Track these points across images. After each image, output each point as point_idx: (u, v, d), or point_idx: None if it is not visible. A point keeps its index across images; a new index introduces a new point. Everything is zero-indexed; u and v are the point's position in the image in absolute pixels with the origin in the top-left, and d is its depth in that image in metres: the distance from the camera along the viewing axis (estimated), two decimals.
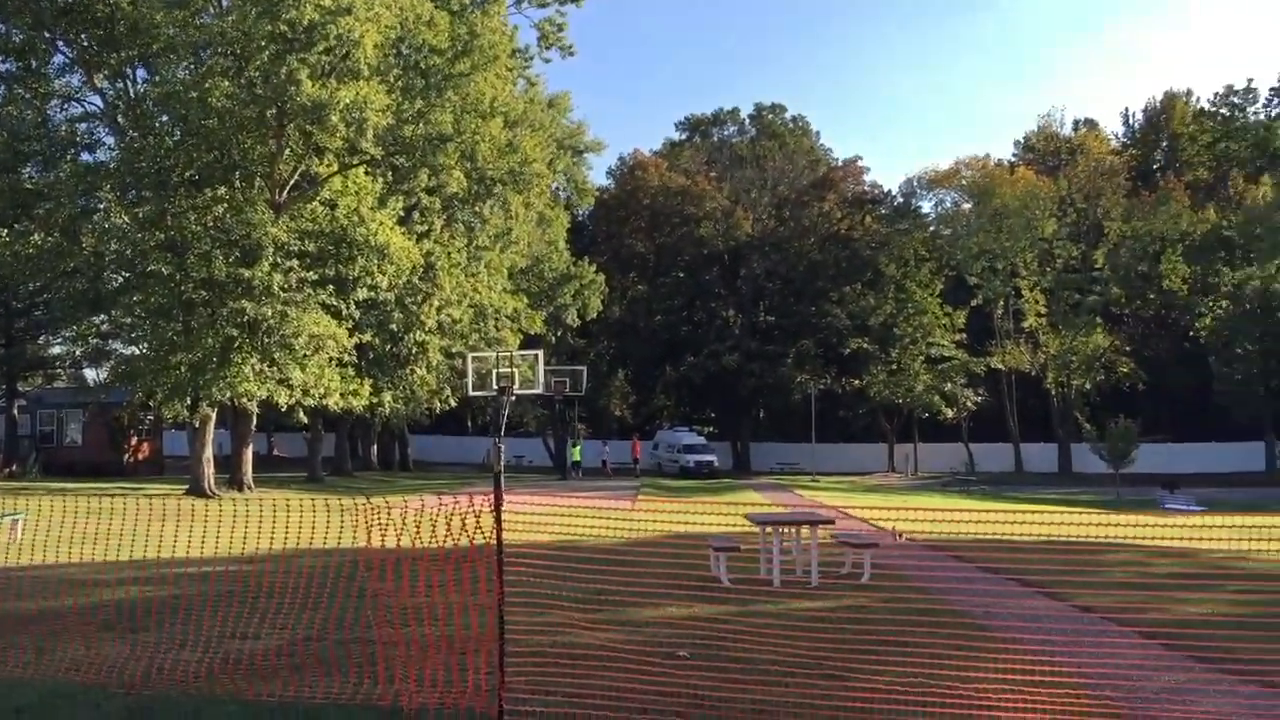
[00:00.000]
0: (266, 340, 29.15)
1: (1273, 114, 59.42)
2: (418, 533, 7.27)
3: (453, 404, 43.91)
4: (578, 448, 53.38)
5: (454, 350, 40.44)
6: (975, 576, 13.95)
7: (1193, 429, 59.96)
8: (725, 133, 76.43)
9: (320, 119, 26.49)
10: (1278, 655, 8.52)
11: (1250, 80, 70.62)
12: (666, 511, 18.80)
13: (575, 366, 46.70)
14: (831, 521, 13.73)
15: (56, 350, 50.90)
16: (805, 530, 13.13)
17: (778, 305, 66.01)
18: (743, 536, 14.31)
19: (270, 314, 28.18)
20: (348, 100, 26.36)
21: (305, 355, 29.23)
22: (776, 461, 63.80)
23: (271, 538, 11.01)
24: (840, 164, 71.23)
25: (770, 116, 75.04)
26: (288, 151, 29.49)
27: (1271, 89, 57.11)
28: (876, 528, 21.39)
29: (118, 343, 39.60)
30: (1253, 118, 62.03)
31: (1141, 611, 10.73)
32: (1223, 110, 64.36)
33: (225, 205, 28.18)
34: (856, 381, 63.10)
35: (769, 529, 12.85)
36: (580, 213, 72.00)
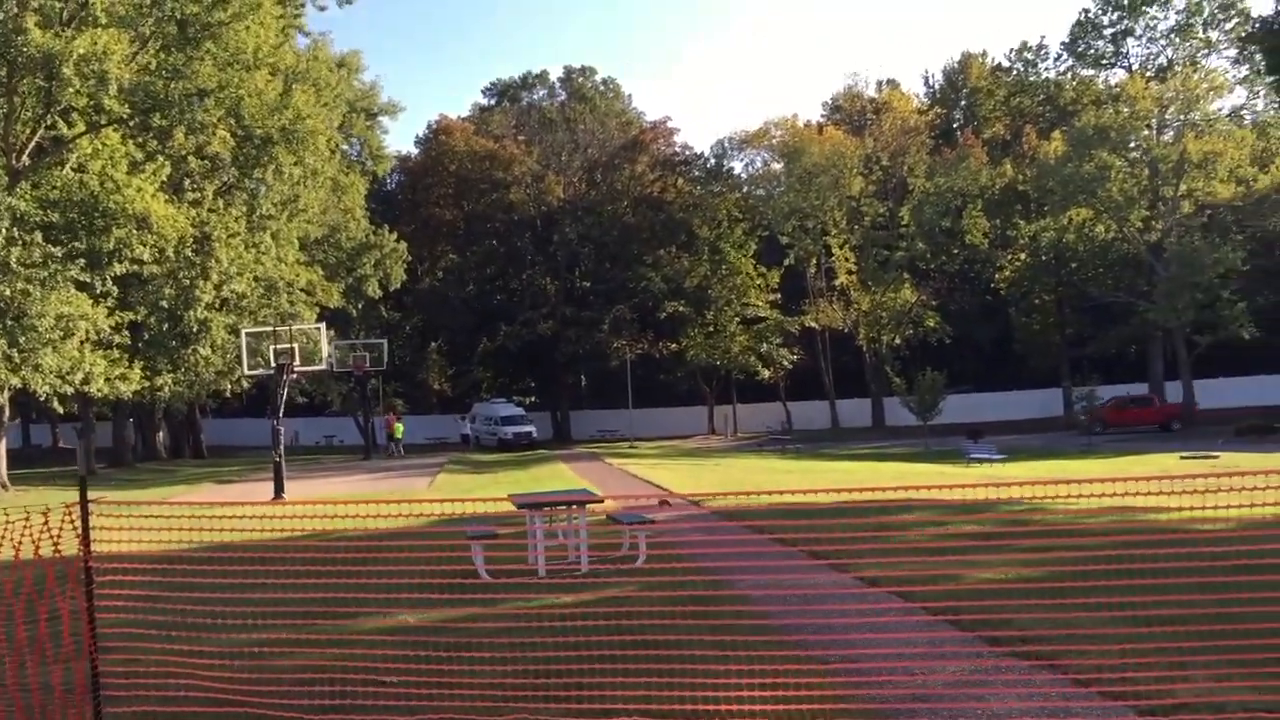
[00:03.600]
0: (10, 323, 25.96)
1: (1062, 70, 61.23)
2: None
3: (244, 385, 40.95)
4: (399, 425, 51.13)
5: (240, 327, 37.52)
6: (766, 550, 12.90)
7: (996, 379, 62.04)
8: (535, 96, 74.47)
9: (53, 72, 23.45)
10: (1067, 631, 7.64)
11: (1043, 37, 72.97)
12: (427, 500, 17.27)
13: (375, 340, 44.33)
14: (600, 499, 12.38)
15: None
16: (573, 511, 11.74)
17: (592, 270, 64.77)
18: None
19: (9, 293, 25.05)
20: (82, 50, 23.42)
21: (54, 338, 26.13)
22: (597, 429, 62.97)
23: None
24: (651, 125, 70.26)
25: (580, 80, 73.46)
26: (23, 111, 26.22)
27: (1062, 43, 58.67)
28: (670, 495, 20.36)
29: None
30: (1045, 74, 63.92)
31: (933, 582, 9.77)
32: (1017, 66, 66.18)
33: None
34: (674, 345, 62.62)
35: (533, 513, 11.40)
36: (387, 181, 69.18)
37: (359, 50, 48.03)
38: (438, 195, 64.69)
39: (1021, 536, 12.11)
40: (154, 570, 7.88)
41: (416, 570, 10.22)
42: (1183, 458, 30.02)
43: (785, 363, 62.05)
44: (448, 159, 64.41)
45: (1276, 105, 52.35)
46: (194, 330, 35.59)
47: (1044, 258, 56.95)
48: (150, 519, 5.78)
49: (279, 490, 25.16)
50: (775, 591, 9.81)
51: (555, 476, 28.64)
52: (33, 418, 60.68)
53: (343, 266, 47.59)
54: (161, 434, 47.47)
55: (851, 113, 68.34)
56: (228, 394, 42.39)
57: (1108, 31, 55.98)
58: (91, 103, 26.15)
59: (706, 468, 31.55)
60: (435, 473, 32.68)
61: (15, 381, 28.05)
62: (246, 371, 30.11)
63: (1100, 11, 55.68)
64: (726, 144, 68.44)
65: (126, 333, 32.36)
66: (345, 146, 48.87)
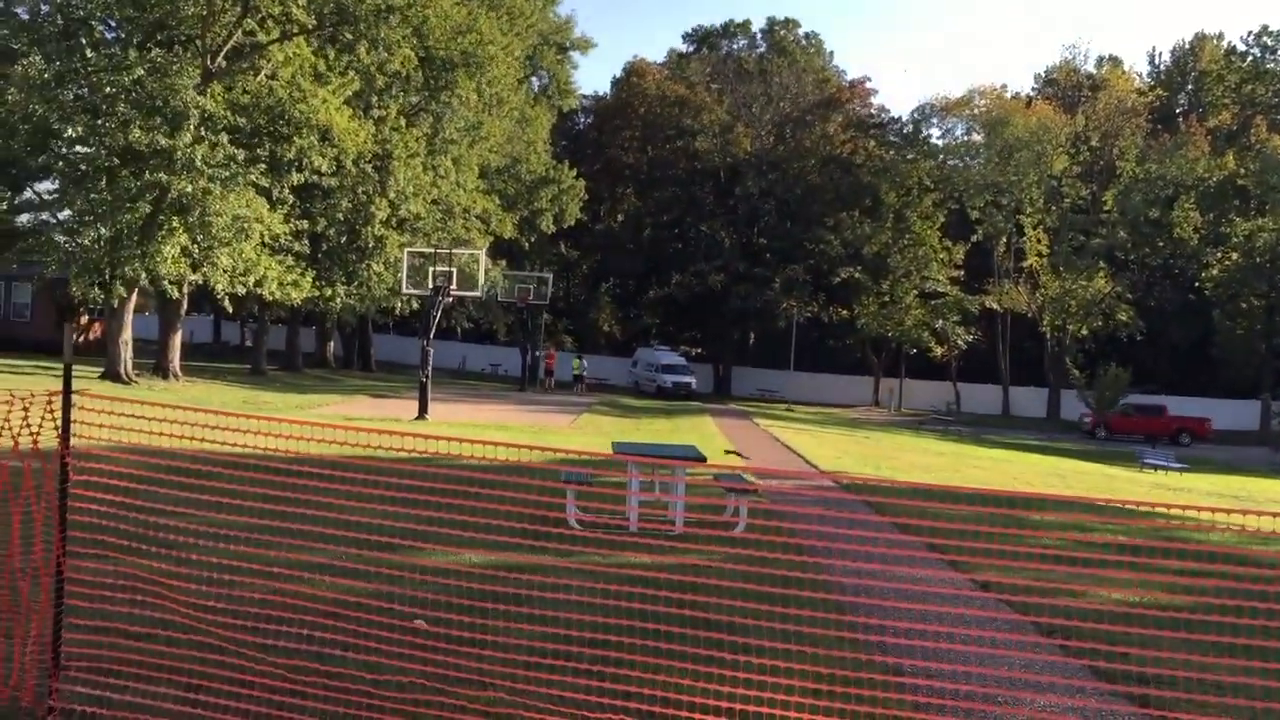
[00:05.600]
0: (191, 220, 26.95)
1: None
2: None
3: (414, 304, 41.88)
4: (579, 361, 51.61)
5: (416, 248, 38.30)
6: (880, 535, 11.99)
7: (1188, 383, 58.05)
8: (735, 46, 73.29)
9: None
10: (1193, 675, 6.59)
11: None
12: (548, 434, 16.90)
13: (541, 274, 44.54)
14: (704, 459, 11.69)
15: None
16: (674, 467, 11.10)
17: (771, 227, 63.50)
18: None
19: (191, 190, 25.92)
20: None
21: (226, 237, 27.00)
22: (758, 387, 62.09)
23: None
24: (849, 84, 68.09)
25: (782, 32, 71.91)
26: (222, 14, 26.96)
27: None
28: (817, 469, 19.54)
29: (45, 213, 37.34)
30: None
31: (1052, 595, 8.75)
32: (1254, 50, 61.06)
33: (147, 67, 25.71)
34: (846, 311, 60.97)
35: (632, 464, 10.83)
36: (577, 120, 69.47)
37: None
38: (625, 138, 64.50)
39: (1172, 556, 10.85)
40: (159, 473, 7.60)
41: (506, 511, 9.81)
42: None
43: (960, 341, 59.61)
44: (638, 102, 64.08)
45: None
46: (369, 246, 36.46)
47: (1258, 259, 52.62)
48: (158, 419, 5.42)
49: (423, 410, 25.49)
50: (871, 582, 8.97)
51: (697, 430, 28.12)
52: (228, 315, 64.10)
53: (520, 198, 47.89)
54: (333, 344, 49.12)
55: (1066, 87, 64.48)
56: (397, 311, 43.42)
57: None
58: (283, 10, 26.68)
59: (856, 439, 30.42)
60: (581, 411, 32.61)
61: (194, 277, 29.25)
62: (404, 290, 30.55)
63: None
64: (926, 109, 65.74)
65: (306, 241, 33.36)
66: (534, 79, 48.88)
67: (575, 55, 51.19)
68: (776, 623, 7.16)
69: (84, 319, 42.95)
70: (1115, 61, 66.26)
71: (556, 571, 8.57)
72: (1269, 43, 59.42)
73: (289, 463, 5.82)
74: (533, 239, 50.42)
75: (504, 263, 47.51)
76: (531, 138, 47.38)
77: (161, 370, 31.34)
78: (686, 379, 53.65)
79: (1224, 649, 7.13)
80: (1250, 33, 63.13)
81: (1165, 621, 8.01)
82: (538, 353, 50.90)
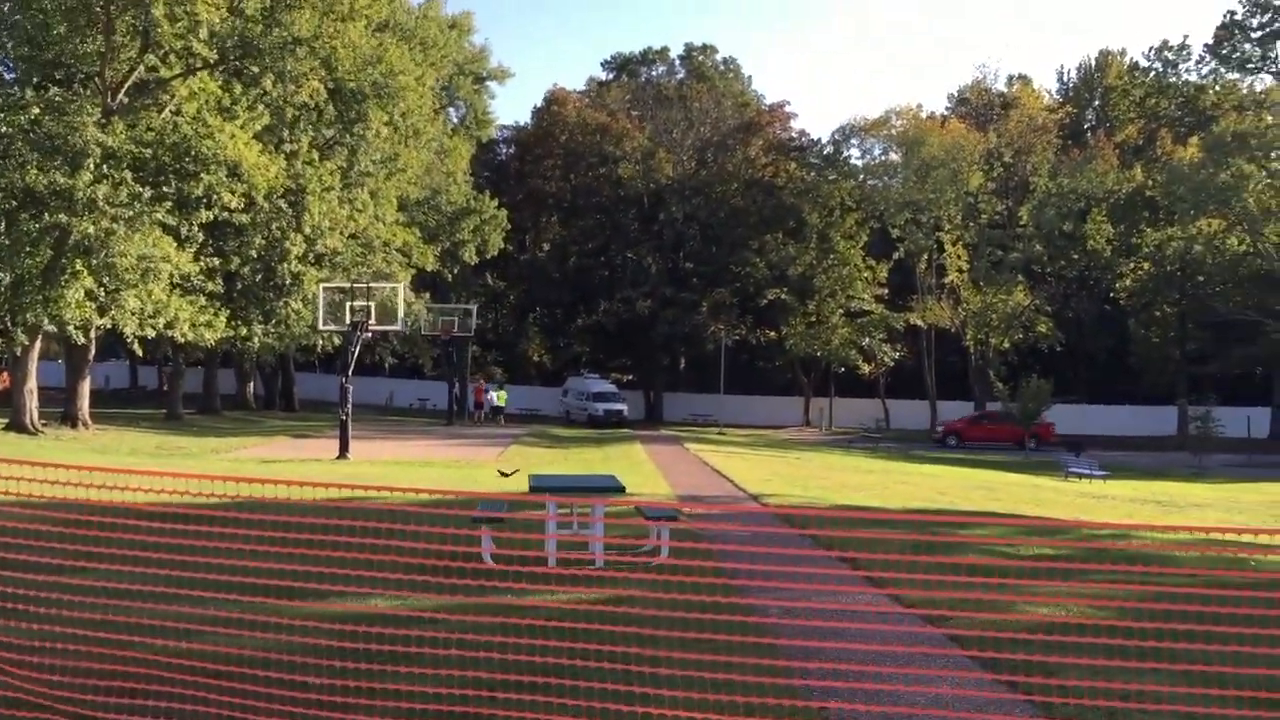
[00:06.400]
0: (95, 262, 26.08)
1: (1204, 73, 57.78)
2: None
3: (336, 341, 41.11)
4: (502, 392, 51.06)
5: (334, 283, 37.58)
6: (805, 554, 11.78)
7: (1108, 391, 59.21)
8: (654, 73, 73.68)
9: (145, 10, 23.31)
10: (1102, 684, 6.42)
11: (1185, 37, 69.26)
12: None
13: (464, 306, 44.10)
14: (622, 490, 11.38)
15: None
16: (590, 501, 10.79)
17: (696, 251, 63.69)
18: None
19: (94, 230, 25.10)
20: None
21: (133, 279, 26.17)
22: (690, 412, 62.03)
23: None
24: (768, 108, 68.72)
25: (701, 58, 72.51)
26: (122, 50, 26.25)
27: (1205, 45, 55.26)
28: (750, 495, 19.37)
29: None
30: (1185, 76, 60.49)
31: (973, 608, 8.54)
32: (1156, 65, 62.76)
33: (44, 106, 24.91)
34: (774, 333, 61.27)
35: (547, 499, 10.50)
36: (499, 150, 69.31)
37: (471, 11, 47.57)
38: (547, 166, 64.28)
39: (1096, 566, 10.76)
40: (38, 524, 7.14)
41: (418, 549, 9.39)
42: None
43: (887, 359, 60.22)
44: (559, 130, 63.96)
45: None
46: (286, 283, 35.68)
47: (1169, 268, 53.94)
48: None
49: (344, 449, 24.90)
50: (792, 603, 8.74)
51: (627, 457, 27.83)
52: (142, 359, 62.40)
53: (442, 230, 47.39)
54: (253, 384, 48.03)
55: (978, 106, 65.68)
56: (319, 349, 42.58)
57: (1255, 34, 52.47)
58: (184, 45, 26.05)
59: (786, 461, 30.35)
60: (508, 444, 32.15)
61: (101, 321, 28.31)
62: (321, 327, 29.94)
63: (1248, 13, 52.21)
64: (845, 131, 66.61)
65: (220, 280, 32.52)
66: (451, 109, 48.54)
67: (493, 85, 50.88)
68: (692, 652, 6.90)
69: None
70: (1025, 80, 67.77)
71: (472, 609, 8.19)
72: (1170, 57, 61.06)
73: (189, 510, 5.41)
74: (456, 271, 49.86)
75: (427, 295, 46.93)
76: (451, 168, 46.95)
77: (70, 419, 30.29)
78: (618, 406, 53.44)
79: (1140, 654, 7.00)
80: (1151, 48, 64.92)
81: (1077, 628, 7.90)
82: (469, 386, 50.35)
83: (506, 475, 18.78)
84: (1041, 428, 46.17)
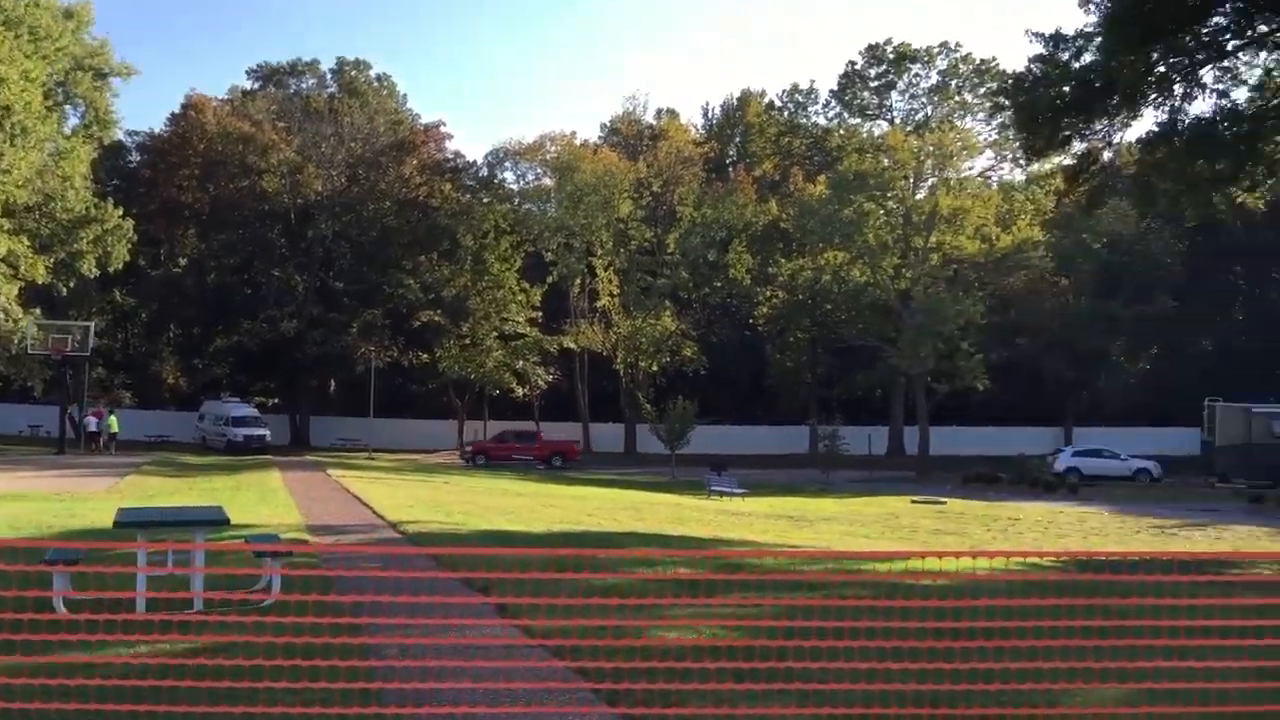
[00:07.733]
0: None
1: (830, 116, 62.84)
2: None
3: None
4: (114, 417, 46.28)
5: None
6: (440, 584, 11.03)
7: (748, 413, 62.64)
8: (303, 85, 70.57)
9: None
10: (738, 711, 6.17)
11: (813, 81, 75.04)
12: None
13: (78, 323, 39.95)
14: (226, 522, 10.19)
15: None
16: (188, 536, 9.54)
17: (346, 271, 61.47)
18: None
19: None
20: None
21: None
22: (339, 437, 59.53)
23: None
24: (423, 128, 67.59)
25: (353, 73, 70.25)
26: None
27: (831, 90, 60.23)
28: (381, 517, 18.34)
29: None
30: (814, 118, 65.47)
31: (600, 637, 8.13)
32: (788, 107, 67.55)
33: None
34: (426, 355, 60.06)
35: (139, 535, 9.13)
36: (130, 158, 63.92)
37: (90, 2, 43.04)
38: (183, 176, 59.64)
39: (728, 587, 10.74)
40: None
41: None
42: (914, 501, 30.55)
43: (541, 381, 60.59)
44: (197, 138, 59.62)
45: (1024, 165, 54.93)
46: None
47: (800, 297, 57.97)
48: None
49: None
50: (415, 640, 7.97)
51: (261, 485, 25.92)
52: None
53: (56, 239, 42.62)
54: None
55: (628, 136, 68.02)
56: None
57: (873, 84, 57.66)
58: None
59: (433, 486, 29.43)
60: (127, 473, 29.18)
61: None
62: None
63: (867, 64, 57.31)
64: (500, 154, 66.91)
65: None
66: (69, 108, 43.95)
67: (118, 83, 46.32)
68: (296, 706, 6.05)
69: None
70: (673, 114, 71.04)
71: (27, 671, 6.81)
72: (800, 100, 66.06)
73: None
74: (73, 284, 44.95)
75: (38, 311, 42.05)
76: (68, 172, 42.28)
77: None
78: (260, 431, 50.56)
79: (773, 674, 6.83)
80: (784, 90, 69.73)
81: (711, 650, 7.68)
82: (89, 410, 45.47)
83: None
84: (566, 446, 50.51)
